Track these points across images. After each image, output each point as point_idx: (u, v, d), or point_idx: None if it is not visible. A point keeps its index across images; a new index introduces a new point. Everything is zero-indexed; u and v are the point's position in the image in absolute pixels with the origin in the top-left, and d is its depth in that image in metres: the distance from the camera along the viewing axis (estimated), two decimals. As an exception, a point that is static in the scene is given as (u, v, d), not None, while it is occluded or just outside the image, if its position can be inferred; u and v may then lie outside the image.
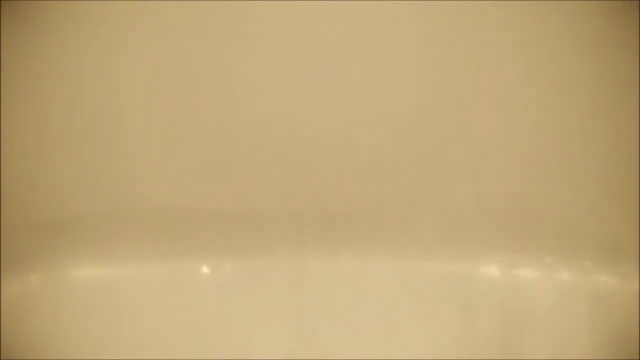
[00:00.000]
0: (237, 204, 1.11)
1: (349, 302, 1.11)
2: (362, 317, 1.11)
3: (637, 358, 0.98)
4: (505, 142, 1.08)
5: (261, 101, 1.07)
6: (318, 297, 1.12)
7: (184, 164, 1.10)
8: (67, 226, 1.10)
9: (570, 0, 1.01)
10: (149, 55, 1.06)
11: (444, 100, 1.07)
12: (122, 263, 1.11)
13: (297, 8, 1.04)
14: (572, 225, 1.10)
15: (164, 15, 1.04)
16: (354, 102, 1.08)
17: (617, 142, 1.06)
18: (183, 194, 1.11)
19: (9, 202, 1.07)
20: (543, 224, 1.10)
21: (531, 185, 1.10)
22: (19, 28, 1.02)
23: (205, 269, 1.13)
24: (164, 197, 1.11)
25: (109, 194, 1.10)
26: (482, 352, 1.09)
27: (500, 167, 1.09)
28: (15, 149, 1.07)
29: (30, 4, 1.01)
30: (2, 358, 0.98)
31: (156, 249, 1.12)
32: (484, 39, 1.04)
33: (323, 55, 1.06)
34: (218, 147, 1.09)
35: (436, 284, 1.11)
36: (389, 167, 1.10)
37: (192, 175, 1.11)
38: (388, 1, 1.03)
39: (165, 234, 1.12)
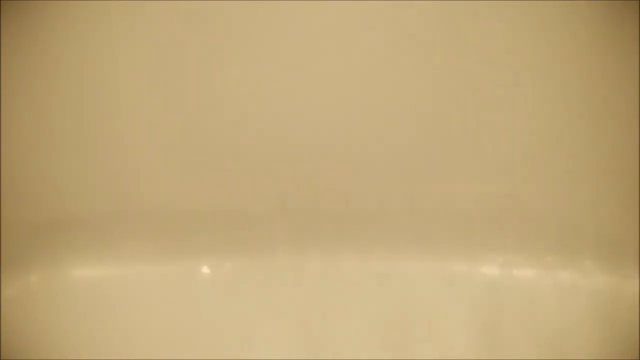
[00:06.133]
0: (237, 204, 1.11)
1: (348, 302, 1.11)
2: (362, 317, 1.11)
3: (637, 358, 0.98)
4: (505, 142, 1.08)
5: (262, 101, 1.07)
6: (318, 297, 1.12)
7: (184, 164, 1.10)
8: (67, 226, 1.10)
9: (570, 0, 1.01)
10: (149, 55, 1.06)
11: (444, 101, 1.07)
12: (122, 263, 1.11)
13: (297, 9, 1.04)
14: (572, 225, 1.10)
15: (163, 16, 1.04)
16: (354, 102, 1.08)
17: (617, 142, 1.06)
18: (183, 194, 1.11)
19: (9, 202, 1.07)
20: (543, 224, 1.10)
21: (531, 185, 1.10)
22: (19, 28, 1.02)
23: (205, 269, 1.13)
24: (164, 197, 1.11)
25: (109, 194, 1.10)
26: (481, 352, 1.08)
27: (500, 167, 1.09)
28: (15, 149, 1.07)
29: (30, 4, 1.01)
30: (2, 358, 0.98)
31: (156, 249, 1.12)
32: (483, 39, 1.04)
33: (322, 55, 1.06)
34: (218, 147, 1.09)
35: (436, 284, 1.11)
36: (389, 167, 1.10)
37: (192, 175, 1.11)
38: (388, 1, 1.03)
39: (165, 234, 1.12)
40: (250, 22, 1.04)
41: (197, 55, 1.06)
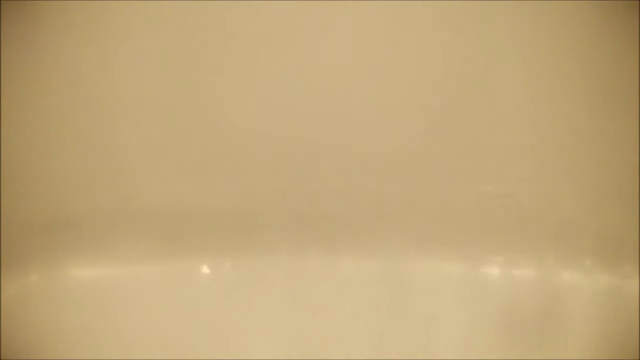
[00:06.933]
0: (237, 204, 1.11)
1: (348, 302, 1.11)
2: (362, 317, 1.11)
3: (637, 358, 0.98)
4: (505, 142, 1.08)
5: (262, 101, 1.08)
6: (317, 298, 1.11)
7: (184, 164, 1.10)
8: (67, 226, 1.10)
9: (570, 0, 1.01)
10: (149, 56, 1.06)
11: (444, 100, 1.07)
12: (122, 263, 1.11)
13: (297, 8, 1.04)
14: (572, 225, 1.10)
15: (162, 16, 1.04)
16: (354, 102, 1.08)
17: (617, 142, 1.06)
18: (183, 194, 1.11)
19: (8, 202, 1.07)
20: (543, 224, 1.10)
21: (531, 185, 1.10)
22: (19, 28, 1.02)
23: (205, 269, 1.13)
24: (164, 197, 1.11)
25: (109, 194, 1.10)
26: (482, 352, 1.09)
27: (500, 167, 1.09)
28: (15, 149, 1.07)
29: (30, 4, 1.01)
30: (2, 358, 0.98)
31: (156, 249, 1.12)
32: (484, 39, 1.04)
33: (323, 55, 1.06)
34: (218, 147, 1.09)
35: (436, 284, 1.11)
36: (389, 167, 1.10)
37: (192, 175, 1.11)
38: (390, 1, 1.03)
39: (165, 234, 1.12)
40: (249, 22, 1.04)
41: (196, 55, 1.06)
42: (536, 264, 1.11)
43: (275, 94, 1.07)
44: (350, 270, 1.12)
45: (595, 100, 1.06)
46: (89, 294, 1.10)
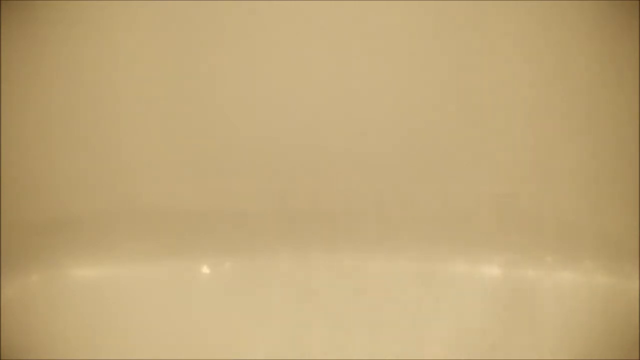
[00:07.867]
0: (237, 204, 1.11)
1: (348, 302, 1.11)
2: (362, 317, 1.11)
3: (637, 358, 0.98)
4: (505, 142, 1.08)
5: (262, 102, 1.08)
6: (318, 297, 1.11)
7: (184, 164, 1.10)
8: (67, 226, 1.10)
9: (571, 0, 1.01)
10: (149, 55, 1.06)
11: (444, 100, 1.07)
12: (122, 263, 1.11)
13: (298, 8, 1.04)
14: (572, 225, 1.10)
15: (162, 17, 1.04)
16: (354, 102, 1.08)
17: (617, 142, 1.06)
18: (183, 194, 1.11)
19: (8, 202, 1.07)
20: (543, 224, 1.10)
21: (531, 185, 1.10)
22: (19, 28, 1.02)
23: (205, 269, 1.13)
24: (164, 197, 1.11)
25: (109, 194, 1.10)
26: (481, 352, 1.09)
27: (500, 167, 1.09)
28: (15, 149, 1.07)
29: (30, 4, 1.01)
30: (2, 358, 0.98)
31: (156, 249, 1.12)
32: (484, 39, 1.04)
33: (322, 55, 1.06)
34: (218, 147, 1.09)
35: (436, 284, 1.11)
36: (389, 167, 1.10)
37: (192, 175, 1.11)
38: (391, 2, 1.03)
39: (165, 234, 1.12)
40: (249, 22, 1.04)
41: (196, 56, 1.06)
42: (536, 264, 1.11)
43: (275, 94, 1.07)
44: (350, 270, 1.12)
45: (595, 100, 1.06)
46: (89, 294, 1.10)
